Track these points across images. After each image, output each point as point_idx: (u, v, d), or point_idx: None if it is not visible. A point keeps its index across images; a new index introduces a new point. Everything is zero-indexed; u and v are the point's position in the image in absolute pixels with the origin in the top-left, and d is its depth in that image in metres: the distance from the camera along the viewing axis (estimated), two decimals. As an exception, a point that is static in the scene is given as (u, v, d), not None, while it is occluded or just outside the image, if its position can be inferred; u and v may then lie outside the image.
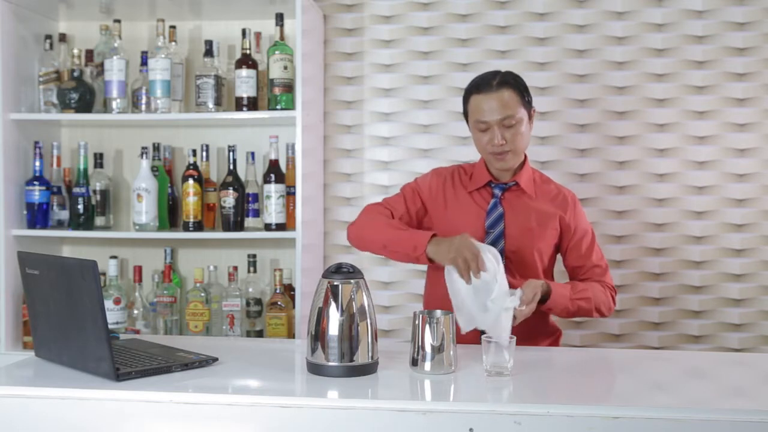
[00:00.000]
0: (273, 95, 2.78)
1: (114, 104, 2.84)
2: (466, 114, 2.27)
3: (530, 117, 2.23)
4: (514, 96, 2.18)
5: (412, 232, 2.15)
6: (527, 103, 2.21)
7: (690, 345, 2.94)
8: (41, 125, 2.94)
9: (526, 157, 2.29)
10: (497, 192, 2.26)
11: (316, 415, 1.56)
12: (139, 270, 2.92)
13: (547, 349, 2.18)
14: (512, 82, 2.20)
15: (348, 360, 1.72)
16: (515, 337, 1.76)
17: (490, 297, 1.95)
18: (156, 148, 2.96)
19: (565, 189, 2.33)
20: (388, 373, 1.77)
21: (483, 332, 2.08)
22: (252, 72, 2.80)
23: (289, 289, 2.81)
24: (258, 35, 2.92)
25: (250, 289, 2.87)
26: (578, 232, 2.28)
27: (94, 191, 2.89)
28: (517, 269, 2.18)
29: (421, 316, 1.76)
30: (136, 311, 2.88)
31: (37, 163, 2.85)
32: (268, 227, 2.80)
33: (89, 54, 2.95)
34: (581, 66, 2.96)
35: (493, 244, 2.19)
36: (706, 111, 2.92)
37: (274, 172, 2.81)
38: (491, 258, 2.00)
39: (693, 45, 2.92)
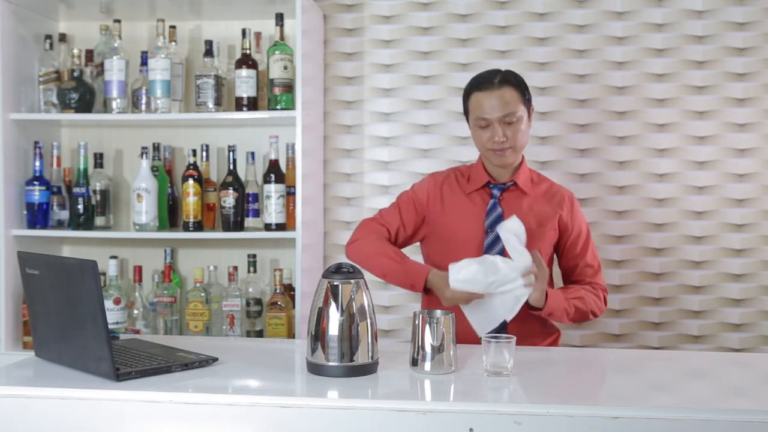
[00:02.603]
0: (273, 95, 2.78)
1: (114, 104, 2.84)
2: (466, 112, 2.28)
3: (529, 115, 2.25)
4: (515, 94, 2.19)
5: (408, 266, 2.17)
6: (527, 101, 2.23)
7: (690, 345, 2.94)
8: (41, 125, 2.94)
9: (523, 157, 2.30)
10: (496, 192, 2.26)
11: (316, 415, 1.56)
12: (139, 270, 2.92)
13: (547, 349, 2.18)
14: (513, 80, 2.22)
15: (348, 360, 1.72)
16: (515, 337, 1.75)
17: (507, 278, 2.01)
18: (156, 148, 2.96)
19: (562, 188, 2.34)
20: (388, 373, 1.77)
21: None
22: (252, 72, 2.80)
23: (289, 289, 2.81)
24: (258, 35, 2.92)
25: (250, 289, 2.87)
26: (575, 231, 2.29)
27: (94, 191, 2.89)
28: None
29: (421, 316, 1.76)
30: (136, 311, 2.88)
31: (37, 163, 2.85)
32: (268, 227, 2.80)
33: (89, 54, 2.95)
34: (581, 66, 2.96)
35: (493, 244, 2.20)
36: (706, 111, 2.92)
37: (274, 172, 2.81)
38: (476, 276, 2.01)
39: (693, 45, 2.92)
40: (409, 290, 2.21)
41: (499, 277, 2.00)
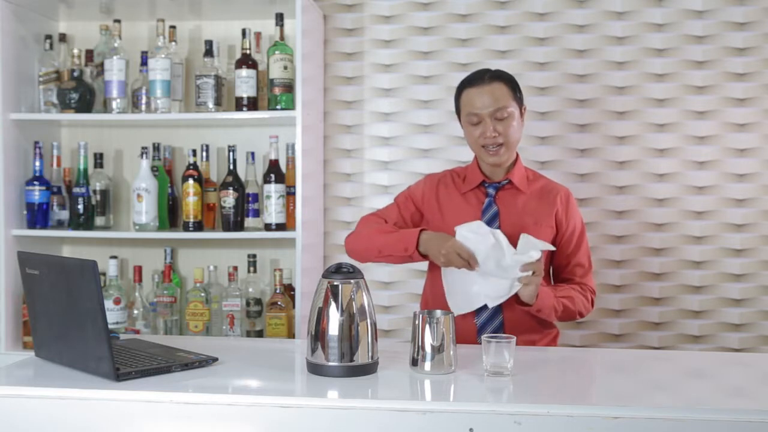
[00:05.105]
0: (273, 95, 2.78)
1: (114, 104, 2.84)
2: (458, 110, 2.29)
3: (521, 114, 2.25)
4: (505, 90, 2.21)
5: (402, 232, 2.18)
6: (518, 99, 2.24)
7: (690, 345, 2.94)
8: (41, 125, 2.94)
9: (517, 155, 2.30)
10: (491, 191, 2.27)
11: (316, 415, 1.56)
12: (139, 270, 2.92)
13: (547, 349, 2.18)
14: (504, 76, 2.24)
15: (348, 360, 1.72)
16: (515, 338, 1.76)
17: (504, 262, 2.03)
18: (156, 148, 2.96)
19: (559, 185, 2.34)
20: (388, 373, 1.77)
21: (480, 329, 2.08)
22: (252, 72, 2.80)
23: (289, 289, 2.81)
24: (258, 35, 2.92)
25: (250, 289, 2.87)
26: (569, 228, 2.28)
27: (94, 191, 2.89)
28: None
29: (421, 316, 1.76)
30: (136, 311, 2.88)
31: (37, 163, 2.85)
32: (268, 227, 2.80)
33: (89, 54, 2.95)
34: (581, 66, 2.96)
35: None
36: (706, 111, 2.92)
37: (274, 172, 2.81)
38: (480, 240, 2.03)
39: (693, 45, 2.92)
40: (404, 259, 2.17)
41: (498, 257, 2.01)
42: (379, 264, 2.93)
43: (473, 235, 2.05)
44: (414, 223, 2.31)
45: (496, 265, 2.04)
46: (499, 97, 2.19)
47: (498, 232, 2.07)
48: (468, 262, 2.04)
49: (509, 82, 2.23)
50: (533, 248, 2.05)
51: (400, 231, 2.20)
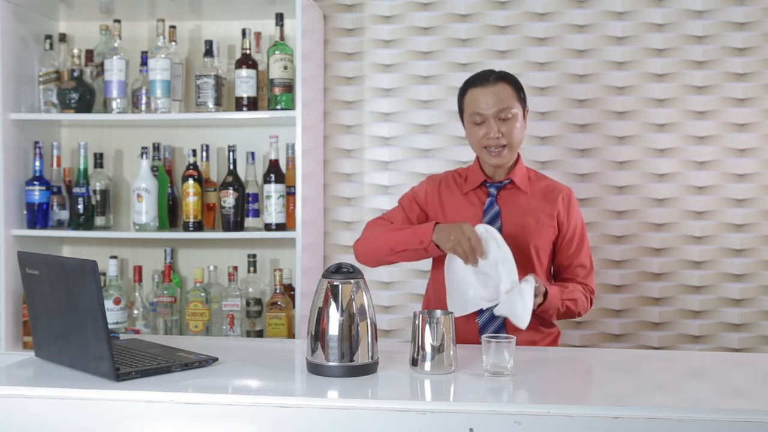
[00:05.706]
0: (273, 95, 2.78)
1: (114, 104, 2.84)
2: (461, 110, 2.29)
3: (524, 115, 2.25)
4: (510, 90, 2.21)
5: (415, 227, 2.17)
6: (522, 100, 2.24)
7: (690, 345, 2.94)
8: (41, 125, 2.94)
9: (519, 155, 2.30)
10: (492, 191, 2.27)
11: (316, 415, 1.56)
12: (139, 270, 2.92)
13: (547, 349, 2.18)
14: (508, 77, 2.24)
15: (348, 360, 1.72)
16: (515, 338, 1.76)
17: (500, 279, 2.00)
18: (156, 148, 2.96)
19: (561, 185, 2.34)
20: (388, 373, 1.77)
21: (481, 329, 2.08)
22: (252, 72, 2.80)
23: (289, 289, 2.81)
24: (258, 35, 2.92)
25: (250, 289, 2.87)
26: (570, 227, 2.29)
27: (94, 191, 2.89)
28: None
29: (421, 316, 1.76)
30: (136, 311, 2.88)
31: (37, 163, 2.85)
32: (268, 227, 2.80)
33: (89, 54, 2.95)
34: (581, 66, 2.96)
35: None
36: (706, 111, 2.92)
37: (274, 172, 2.81)
38: (494, 242, 2.02)
39: (693, 45, 2.92)
40: (418, 253, 2.14)
41: (504, 270, 2.01)
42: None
43: (488, 235, 2.04)
44: (420, 223, 2.31)
45: (494, 270, 2.02)
46: (504, 97, 2.19)
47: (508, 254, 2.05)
48: (474, 250, 2.01)
49: (513, 83, 2.23)
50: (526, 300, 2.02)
51: (412, 226, 2.20)
